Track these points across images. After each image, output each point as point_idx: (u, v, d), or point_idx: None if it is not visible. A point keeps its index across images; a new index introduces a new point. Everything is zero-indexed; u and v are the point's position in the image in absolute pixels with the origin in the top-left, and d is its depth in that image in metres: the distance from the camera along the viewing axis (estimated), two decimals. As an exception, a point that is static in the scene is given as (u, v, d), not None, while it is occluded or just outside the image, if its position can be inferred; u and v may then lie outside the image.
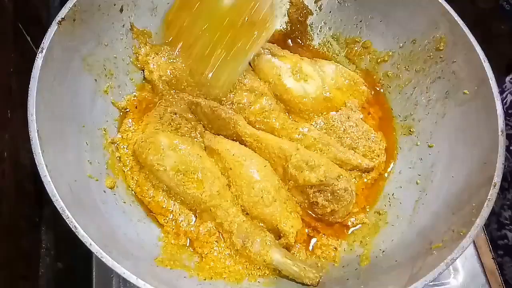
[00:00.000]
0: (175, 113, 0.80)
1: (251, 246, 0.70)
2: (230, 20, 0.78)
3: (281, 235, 0.73)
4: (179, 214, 0.76)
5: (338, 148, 0.81)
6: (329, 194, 0.75)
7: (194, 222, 0.75)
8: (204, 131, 0.82)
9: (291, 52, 0.89)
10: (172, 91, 0.84)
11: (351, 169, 0.82)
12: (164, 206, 0.76)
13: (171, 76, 0.83)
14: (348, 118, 0.85)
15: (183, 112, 0.81)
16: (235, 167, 0.75)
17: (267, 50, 0.86)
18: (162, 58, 0.84)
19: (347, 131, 0.84)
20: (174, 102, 0.82)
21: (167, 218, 0.75)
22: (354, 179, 0.82)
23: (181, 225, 0.75)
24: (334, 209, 0.75)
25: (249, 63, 0.86)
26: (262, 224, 0.74)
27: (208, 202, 0.73)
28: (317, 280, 0.68)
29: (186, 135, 0.80)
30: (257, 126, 0.82)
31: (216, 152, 0.77)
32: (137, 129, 0.81)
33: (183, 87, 0.84)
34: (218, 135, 0.81)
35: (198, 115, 0.82)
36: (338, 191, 0.74)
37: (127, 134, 0.80)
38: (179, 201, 0.76)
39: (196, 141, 0.80)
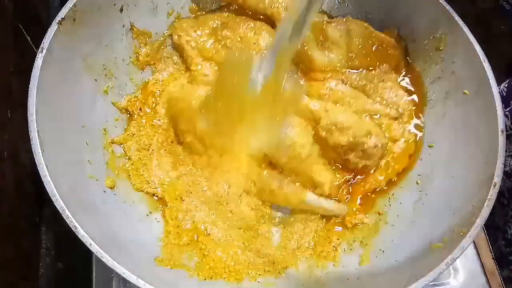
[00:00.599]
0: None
1: (287, 187, 0.75)
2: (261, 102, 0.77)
3: (316, 186, 0.77)
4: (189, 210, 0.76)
5: (366, 100, 0.82)
6: (360, 152, 0.77)
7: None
8: None
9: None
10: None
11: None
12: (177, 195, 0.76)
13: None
14: (383, 80, 0.83)
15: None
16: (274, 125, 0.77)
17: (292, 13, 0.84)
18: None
19: (379, 93, 0.82)
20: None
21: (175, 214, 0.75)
22: (384, 130, 0.82)
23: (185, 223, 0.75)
24: (365, 164, 0.78)
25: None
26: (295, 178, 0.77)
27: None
28: (347, 210, 0.77)
29: None
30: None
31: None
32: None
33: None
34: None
35: None
36: (369, 150, 0.76)
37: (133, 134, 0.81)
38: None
39: None
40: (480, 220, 0.62)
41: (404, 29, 0.86)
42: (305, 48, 0.83)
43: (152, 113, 0.83)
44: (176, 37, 0.86)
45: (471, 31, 0.75)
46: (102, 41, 0.77)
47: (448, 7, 0.77)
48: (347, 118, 0.77)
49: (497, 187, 0.65)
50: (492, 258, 0.90)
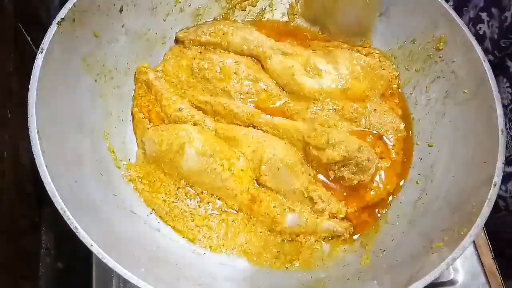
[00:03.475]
0: (180, 110, 0.81)
1: (305, 224, 0.75)
2: None
3: (314, 202, 0.76)
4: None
5: (351, 123, 0.83)
6: (354, 167, 0.77)
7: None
8: (216, 122, 0.83)
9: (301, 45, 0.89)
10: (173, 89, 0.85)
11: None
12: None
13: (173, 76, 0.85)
14: (375, 110, 0.84)
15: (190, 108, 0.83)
16: (258, 148, 0.77)
17: (278, 50, 0.86)
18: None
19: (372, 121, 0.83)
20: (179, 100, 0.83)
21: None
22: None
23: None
24: (360, 179, 0.78)
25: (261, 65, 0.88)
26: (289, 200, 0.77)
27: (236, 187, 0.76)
28: (351, 228, 0.77)
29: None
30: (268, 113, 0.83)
31: (233, 139, 0.79)
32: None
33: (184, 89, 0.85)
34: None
35: (207, 112, 0.83)
36: (362, 163, 0.77)
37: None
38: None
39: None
40: (480, 220, 0.63)
41: (403, 28, 0.86)
42: (293, 76, 0.84)
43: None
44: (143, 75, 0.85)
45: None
46: (101, 41, 0.77)
47: (448, 7, 0.77)
48: (337, 135, 0.77)
49: (497, 187, 0.65)
50: (492, 258, 0.90)
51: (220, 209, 0.78)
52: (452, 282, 0.83)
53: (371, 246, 0.75)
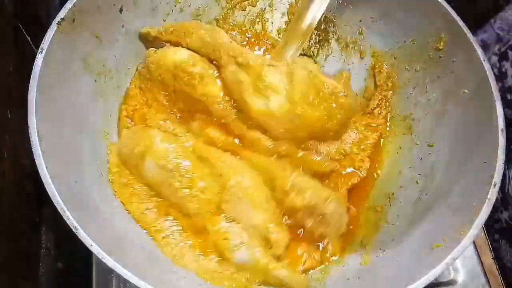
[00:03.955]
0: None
1: (255, 265, 0.69)
2: None
3: (271, 245, 0.71)
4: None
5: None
6: (318, 218, 0.72)
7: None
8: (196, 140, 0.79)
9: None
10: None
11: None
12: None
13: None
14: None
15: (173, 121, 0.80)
16: (225, 173, 0.73)
17: (233, 58, 0.76)
18: None
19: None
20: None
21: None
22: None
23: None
24: (323, 231, 0.73)
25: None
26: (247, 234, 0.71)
27: (195, 207, 0.71)
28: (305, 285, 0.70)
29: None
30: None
31: (205, 159, 0.75)
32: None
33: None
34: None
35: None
36: (327, 214, 0.72)
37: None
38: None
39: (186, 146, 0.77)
40: (480, 220, 0.63)
41: (403, 29, 0.86)
42: (241, 93, 0.75)
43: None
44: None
45: (471, 31, 0.75)
46: (101, 41, 0.77)
47: (448, 7, 0.77)
48: (306, 181, 0.73)
49: (497, 187, 0.65)
50: (492, 258, 0.90)
51: (174, 226, 0.73)
52: (452, 282, 0.83)
53: (371, 246, 0.75)
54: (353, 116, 0.81)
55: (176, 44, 0.82)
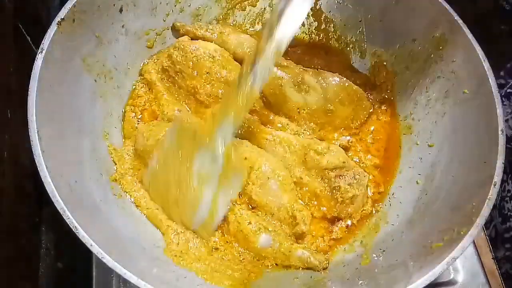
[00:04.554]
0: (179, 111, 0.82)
1: (278, 248, 0.72)
2: None
3: (296, 223, 0.75)
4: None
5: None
6: (351, 178, 0.77)
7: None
8: None
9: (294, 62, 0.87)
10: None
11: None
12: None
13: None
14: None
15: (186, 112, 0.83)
16: (251, 156, 0.76)
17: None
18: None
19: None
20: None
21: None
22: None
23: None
24: (355, 194, 0.77)
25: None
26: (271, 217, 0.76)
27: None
28: (327, 262, 0.73)
29: None
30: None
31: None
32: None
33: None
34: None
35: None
36: (359, 174, 0.78)
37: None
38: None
39: None
40: (480, 220, 0.62)
41: (403, 28, 0.86)
42: (281, 87, 0.83)
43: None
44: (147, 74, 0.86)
45: (471, 31, 0.75)
46: (101, 41, 0.77)
47: (448, 7, 0.77)
48: (337, 147, 0.80)
49: (497, 186, 0.65)
50: (492, 258, 0.90)
51: None
52: (452, 282, 0.83)
53: (371, 246, 0.75)
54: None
55: (209, 41, 0.87)
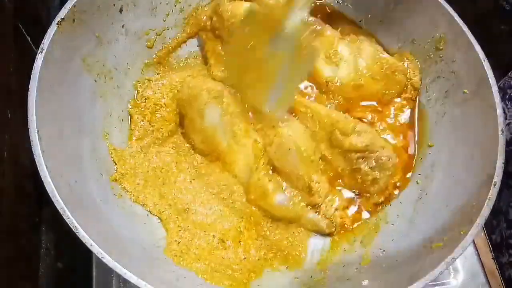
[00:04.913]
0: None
1: (292, 207, 0.76)
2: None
3: (313, 193, 0.76)
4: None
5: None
6: (373, 161, 0.76)
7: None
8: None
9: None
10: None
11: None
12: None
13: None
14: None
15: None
16: (277, 125, 0.77)
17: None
18: None
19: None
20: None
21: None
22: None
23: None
24: (375, 177, 0.77)
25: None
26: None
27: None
28: (334, 230, 0.77)
29: None
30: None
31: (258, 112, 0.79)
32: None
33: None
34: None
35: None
36: (382, 158, 0.76)
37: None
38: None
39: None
40: (481, 220, 0.62)
41: (403, 28, 0.86)
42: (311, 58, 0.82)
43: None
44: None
45: (471, 31, 0.75)
46: (101, 41, 0.77)
47: (448, 7, 0.78)
48: (366, 126, 0.78)
49: (497, 186, 0.65)
50: (492, 258, 0.90)
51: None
52: (452, 282, 0.83)
53: (371, 246, 0.75)
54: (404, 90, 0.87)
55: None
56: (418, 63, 0.86)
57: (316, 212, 0.77)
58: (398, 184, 0.81)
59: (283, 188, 0.77)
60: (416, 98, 0.86)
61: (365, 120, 0.84)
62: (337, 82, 0.83)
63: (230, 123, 0.78)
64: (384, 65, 0.83)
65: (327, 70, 0.83)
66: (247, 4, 0.82)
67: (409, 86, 0.86)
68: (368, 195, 0.80)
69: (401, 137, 0.84)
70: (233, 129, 0.78)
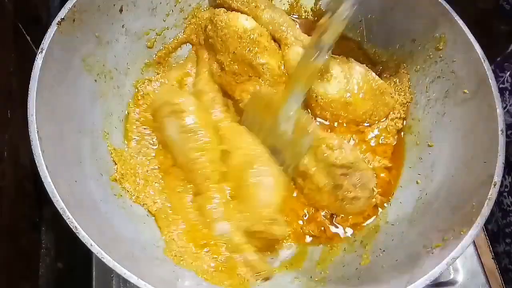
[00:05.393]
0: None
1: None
2: None
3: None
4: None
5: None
6: (357, 179, 0.76)
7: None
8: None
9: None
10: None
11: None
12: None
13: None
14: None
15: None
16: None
17: (300, 42, 0.84)
18: None
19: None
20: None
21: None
22: None
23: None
24: (356, 195, 0.76)
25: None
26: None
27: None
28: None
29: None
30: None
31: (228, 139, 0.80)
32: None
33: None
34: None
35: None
36: (366, 177, 0.76)
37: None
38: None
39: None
40: (481, 220, 0.62)
41: (403, 28, 0.86)
42: None
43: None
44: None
45: (471, 31, 0.75)
46: (102, 41, 0.77)
47: (448, 7, 0.77)
48: (351, 145, 0.80)
49: (497, 186, 0.65)
50: (492, 258, 0.90)
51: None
52: (452, 282, 0.83)
53: (371, 246, 0.75)
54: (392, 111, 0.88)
55: (244, 13, 0.86)
56: (409, 82, 0.87)
57: (254, 251, 0.73)
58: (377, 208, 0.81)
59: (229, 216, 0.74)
60: (402, 123, 0.87)
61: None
62: (327, 97, 0.83)
63: (186, 140, 0.77)
64: (373, 85, 0.84)
65: (318, 85, 0.83)
66: (242, 16, 0.83)
67: (396, 106, 0.86)
68: (343, 215, 0.79)
69: (382, 160, 0.84)
70: (189, 146, 0.77)
